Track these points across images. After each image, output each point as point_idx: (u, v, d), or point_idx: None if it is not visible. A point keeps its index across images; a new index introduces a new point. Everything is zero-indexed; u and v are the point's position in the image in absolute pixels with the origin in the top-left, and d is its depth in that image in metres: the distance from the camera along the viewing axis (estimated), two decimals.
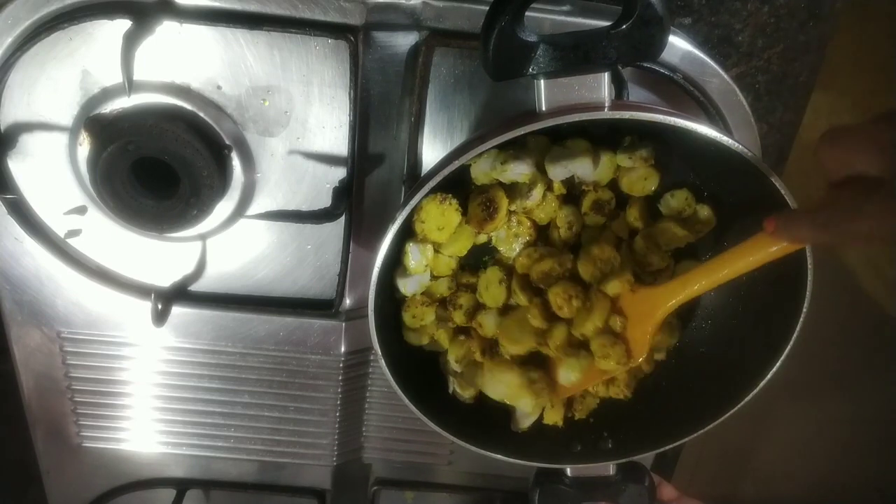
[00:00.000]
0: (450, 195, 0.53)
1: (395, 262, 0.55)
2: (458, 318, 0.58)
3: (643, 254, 0.56)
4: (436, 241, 0.54)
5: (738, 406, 0.56)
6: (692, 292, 0.52)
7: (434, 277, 0.57)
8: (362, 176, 0.59)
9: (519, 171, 0.53)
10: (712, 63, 0.56)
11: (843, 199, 0.41)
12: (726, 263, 0.49)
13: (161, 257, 0.63)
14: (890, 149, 0.38)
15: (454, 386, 0.60)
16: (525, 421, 0.60)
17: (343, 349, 0.66)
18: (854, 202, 0.40)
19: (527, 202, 0.54)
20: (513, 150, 0.53)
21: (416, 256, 0.54)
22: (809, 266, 0.49)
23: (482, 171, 0.53)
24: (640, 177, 0.54)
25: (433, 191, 0.49)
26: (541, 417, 0.60)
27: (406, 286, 0.56)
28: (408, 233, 0.54)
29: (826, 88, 0.67)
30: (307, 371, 0.67)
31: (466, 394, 0.60)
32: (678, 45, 0.55)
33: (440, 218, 0.53)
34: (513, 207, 0.54)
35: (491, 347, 0.58)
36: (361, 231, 0.62)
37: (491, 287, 0.57)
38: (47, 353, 0.66)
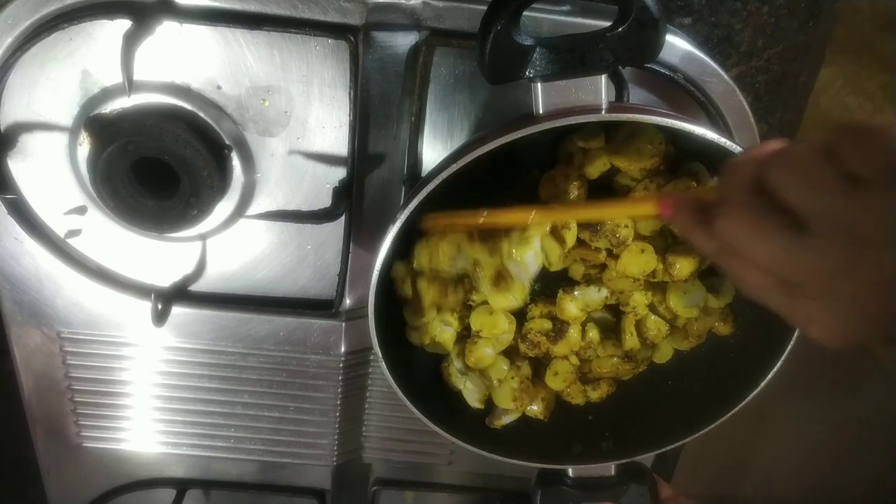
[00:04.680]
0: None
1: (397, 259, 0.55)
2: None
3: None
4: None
5: (738, 407, 0.56)
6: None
7: None
8: (362, 176, 0.59)
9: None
10: (712, 63, 0.56)
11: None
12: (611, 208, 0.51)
13: (161, 257, 0.63)
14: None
15: (464, 393, 0.60)
16: (504, 417, 0.60)
17: (343, 349, 0.66)
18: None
19: None
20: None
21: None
22: None
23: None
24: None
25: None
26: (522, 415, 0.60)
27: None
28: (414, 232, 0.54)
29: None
30: (307, 371, 0.67)
31: (476, 400, 0.60)
32: (678, 46, 0.55)
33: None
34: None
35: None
36: (361, 231, 0.62)
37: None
38: (47, 353, 0.66)
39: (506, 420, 0.60)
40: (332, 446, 0.72)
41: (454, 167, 0.47)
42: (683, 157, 0.54)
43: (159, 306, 0.62)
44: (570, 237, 0.53)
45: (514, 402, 0.58)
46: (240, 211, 0.60)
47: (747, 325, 0.57)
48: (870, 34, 0.67)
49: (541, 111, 0.47)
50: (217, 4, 0.52)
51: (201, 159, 0.53)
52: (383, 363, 0.54)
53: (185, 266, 0.63)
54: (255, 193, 0.60)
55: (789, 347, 0.53)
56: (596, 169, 0.53)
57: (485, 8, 0.45)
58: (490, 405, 0.60)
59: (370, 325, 0.52)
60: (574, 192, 0.53)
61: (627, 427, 0.61)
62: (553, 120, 0.46)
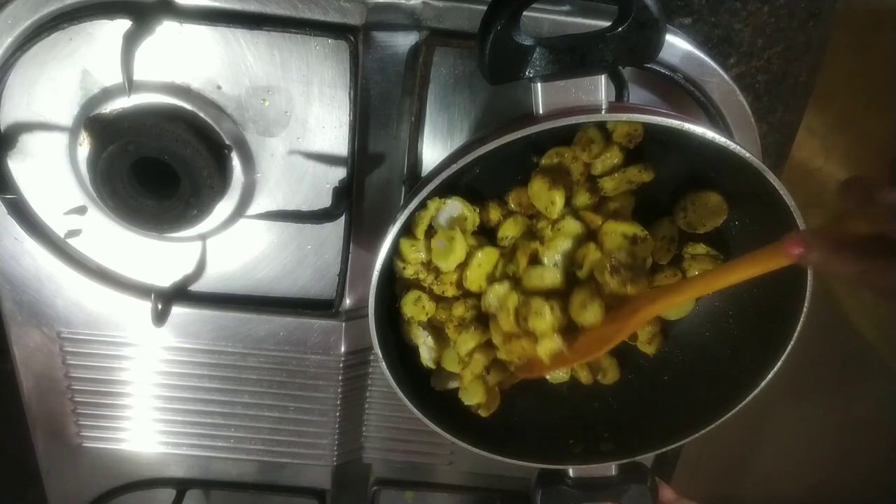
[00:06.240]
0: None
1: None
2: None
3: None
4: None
5: (738, 407, 0.56)
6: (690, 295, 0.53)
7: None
8: (362, 176, 0.59)
9: None
10: (712, 63, 0.56)
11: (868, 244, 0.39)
12: (729, 273, 0.48)
13: (161, 257, 0.63)
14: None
15: (420, 349, 0.58)
16: (449, 382, 0.59)
17: (343, 349, 0.66)
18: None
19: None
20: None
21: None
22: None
23: None
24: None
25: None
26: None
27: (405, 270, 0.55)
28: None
29: (821, 109, 0.67)
30: (307, 371, 0.67)
31: (430, 360, 0.59)
32: (678, 45, 0.55)
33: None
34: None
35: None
36: (361, 231, 0.62)
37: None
38: (47, 353, 0.66)
39: (451, 386, 0.59)
40: (332, 446, 0.72)
41: (454, 167, 0.47)
42: (685, 163, 0.54)
43: (159, 306, 0.63)
44: (560, 199, 0.54)
45: (461, 367, 0.57)
46: (240, 211, 0.60)
47: (747, 325, 0.57)
48: (868, 34, 0.68)
49: (541, 111, 0.47)
50: (217, 4, 0.52)
51: (201, 159, 0.53)
52: (383, 363, 0.54)
53: (185, 266, 0.63)
54: (255, 193, 0.60)
55: (789, 347, 0.53)
56: (604, 167, 0.53)
57: (484, 8, 0.45)
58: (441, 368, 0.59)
59: (370, 325, 0.52)
60: (575, 175, 0.53)
61: (627, 427, 0.61)
62: (553, 120, 0.46)
